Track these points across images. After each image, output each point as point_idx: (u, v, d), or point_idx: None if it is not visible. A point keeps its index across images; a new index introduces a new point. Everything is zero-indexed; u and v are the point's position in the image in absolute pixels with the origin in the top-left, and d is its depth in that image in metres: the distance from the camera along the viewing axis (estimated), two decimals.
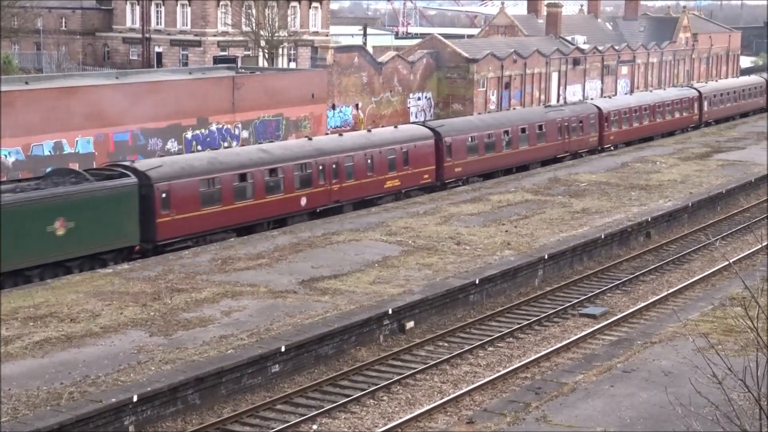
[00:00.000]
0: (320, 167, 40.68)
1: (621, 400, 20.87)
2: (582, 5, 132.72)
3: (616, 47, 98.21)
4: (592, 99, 74.52)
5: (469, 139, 49.45)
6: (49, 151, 49.13)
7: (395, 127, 50.25)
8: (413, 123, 59.94)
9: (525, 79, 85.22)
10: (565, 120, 56.73)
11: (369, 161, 43.24)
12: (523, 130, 53.13)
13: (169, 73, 67.24)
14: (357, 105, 71.19)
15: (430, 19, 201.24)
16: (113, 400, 20.71)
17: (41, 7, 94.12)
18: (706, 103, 73.93)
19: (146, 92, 54.58)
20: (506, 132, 51.91)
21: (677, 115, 70.30)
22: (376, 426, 21.96)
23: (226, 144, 57.65)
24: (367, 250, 33.88)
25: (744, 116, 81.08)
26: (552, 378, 22.96)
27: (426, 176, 46.44)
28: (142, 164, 36.43)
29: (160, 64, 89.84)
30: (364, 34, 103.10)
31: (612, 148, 61.01)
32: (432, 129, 47.89)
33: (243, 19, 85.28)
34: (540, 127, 54.61)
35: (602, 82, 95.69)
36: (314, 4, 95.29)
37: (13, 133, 47.13)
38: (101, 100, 51.63)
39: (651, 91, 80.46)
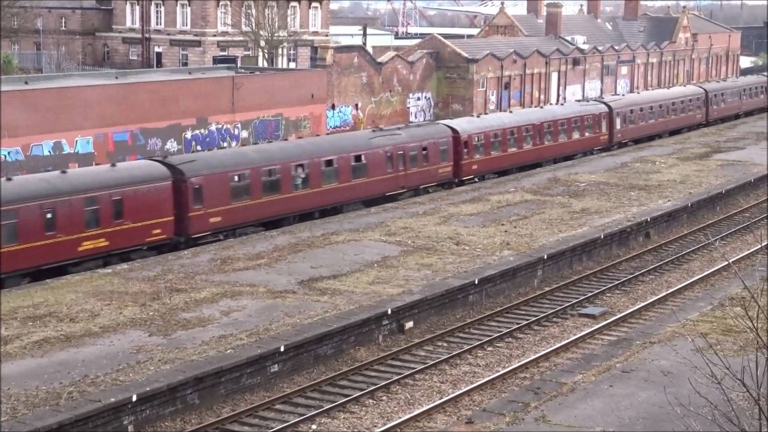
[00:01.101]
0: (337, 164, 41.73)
1: (620, 400, 20.87)
2: (582, 5, 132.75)
3: (616, 47, 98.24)
4: (445, 120, 55.40)
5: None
6: (49, 151, 49.14)
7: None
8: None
9: (525, 80, 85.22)
10: (399, 147, 44.83)
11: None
12: (329, 163, 41.30)
13: (168, 73, 67.24)
14: (356, 105, 71.20)
15: (430, 19, 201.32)
16: (112, 399, 20.71)
17: (41, 7, 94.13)
18: (619, 120, 61.55)
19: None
20: (300, 166, 40.25)
21: (576, 135, 57.57)
22: (375, 426, 21.96)
23: (225, 144, 57.66)
24: (366, 250, 33.87)
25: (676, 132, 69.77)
26: (551, 378, 22.95)
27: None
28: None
29: (159, 64, 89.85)
30: (364, 34, 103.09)
31: (475, 179, 48.89)
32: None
33: (243, 19, 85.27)
34: (358, 158, 42.69)
35: (602, 83, 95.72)
36: (314, 4, 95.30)
37: (12, 133, 47.19)
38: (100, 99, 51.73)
39: (562, 104, 65.85)
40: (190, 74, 64.49)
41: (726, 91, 78.23)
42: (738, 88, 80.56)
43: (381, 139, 44.39)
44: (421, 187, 45.97)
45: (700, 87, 76.73)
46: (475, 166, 49.32)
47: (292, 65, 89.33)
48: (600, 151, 59.67)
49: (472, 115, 56.92)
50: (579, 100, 66.92)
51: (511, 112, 58.67)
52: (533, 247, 34.58)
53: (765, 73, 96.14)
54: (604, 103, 61.70)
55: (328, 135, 57.66)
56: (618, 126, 61.40)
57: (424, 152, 45.77)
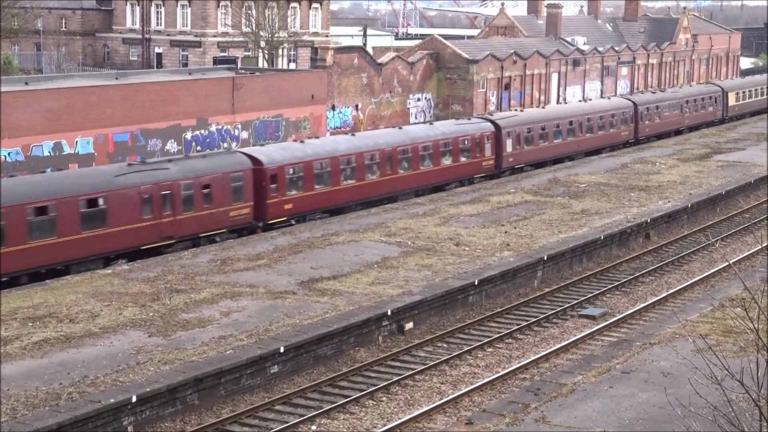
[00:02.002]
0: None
1: (620, 401, 20.87)
2: (582, 6, 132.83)
3: (616, 48, 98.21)
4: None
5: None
6: (49, 152, 49.16)
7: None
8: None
9: (525, 80, 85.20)
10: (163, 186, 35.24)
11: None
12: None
13: (169, 73, 67.26)
14: (357, 106, 71.19)
15: (430, 19, 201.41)
16: (112, 400, 20.71)
17: (41, 7, 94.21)
18: (510, 141, 52.68)
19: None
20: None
21: (447, 161, 48.21)
22: (375, 427, 21.96)
23: (225, 145, 57.67)
24: (366, 251, 33.87)
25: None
26: (551, 379, 22.96)
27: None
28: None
29: (160, 64, 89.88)
30: (364, 35, 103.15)
31: (292, 222, 39.83)
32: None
33: (243, 20, 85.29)
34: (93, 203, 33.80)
35: (602, 83, 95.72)
36: (314, 4, 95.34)
37: (12, 134, 47.21)
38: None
39: (430, 123, 54.43)
40: (190, 75, 64.51)
41: (662, 104, 68.26)
42: (678, 100, 70.46)
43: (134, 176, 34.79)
44: (202, 235, 36.59)
45: (629, 99, 66.22)
46: (288, 206, 39.86)
47: (293, 66, 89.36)
48: (485, 178, 50.37)
49: (296, 140, 47.24)
50: (459, 119, 55.39)
51: (353, 135, 48.19)
52: (533, 248, 34.58)
53: (719, 82, 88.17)
54: (491, 121, 52.06)
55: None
56: (509, 148, 52.27)
57: (205, 191, 36.53)
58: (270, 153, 40.29)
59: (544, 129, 54.86)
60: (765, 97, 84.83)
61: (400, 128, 49.97)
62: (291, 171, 39.85)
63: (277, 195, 39.09)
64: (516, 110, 63.28)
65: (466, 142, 49.13)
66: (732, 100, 78.65)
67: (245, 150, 41.07)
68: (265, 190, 38.65)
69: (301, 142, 44.04)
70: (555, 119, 56.41)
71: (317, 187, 40.91)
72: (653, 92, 74.42)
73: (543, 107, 70.32)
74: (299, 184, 40.13)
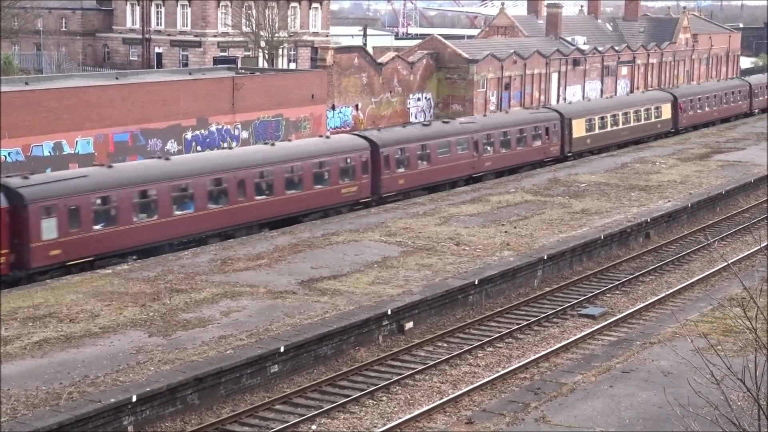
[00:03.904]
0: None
1: (620, 400, 20.88)
2: (582, 6, 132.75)
3: (616, 48, 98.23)
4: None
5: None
6: (49, 152, 49.17)
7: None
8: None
9: (525, 80, 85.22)
10: None
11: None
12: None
13: (169, 73, 67.26)
14: (357, 106, 71.21)
15: (430, 19, 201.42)
16: (112, 400, 20.71)
17: (41, 7, 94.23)
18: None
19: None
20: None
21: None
22: (375, 426, 21.96)
23: (225, 145, 57.67)
24: (366, 250, 33.88)
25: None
26: (551, 378, 22.97)
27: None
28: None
29: (160, 64, 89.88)
30: (364, 35, 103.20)
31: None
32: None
33: (243, 20, 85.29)
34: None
35: (602, 83, 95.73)
36: (314, 4, 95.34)
37: (12, 134, 47.23)
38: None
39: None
40: (190, 75, 64.52)
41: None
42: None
43: None
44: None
45: (365, 137, 46.10)
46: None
47: (293, 66, 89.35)
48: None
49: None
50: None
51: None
52: (533, 248, 34.58)
53: (556, 106, 67.00)
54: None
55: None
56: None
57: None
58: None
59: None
60: (655, 120, 66.83)
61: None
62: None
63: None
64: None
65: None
66: (578, 130, 58.50)
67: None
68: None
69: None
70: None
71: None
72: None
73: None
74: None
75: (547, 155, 55.46)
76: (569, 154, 57.04)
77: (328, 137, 46.64)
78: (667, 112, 67.94)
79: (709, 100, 74.25)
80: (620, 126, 62.36)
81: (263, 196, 38.46)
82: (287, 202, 39.46)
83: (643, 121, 64.87)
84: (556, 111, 57.82)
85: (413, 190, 45.71)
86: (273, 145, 42.65)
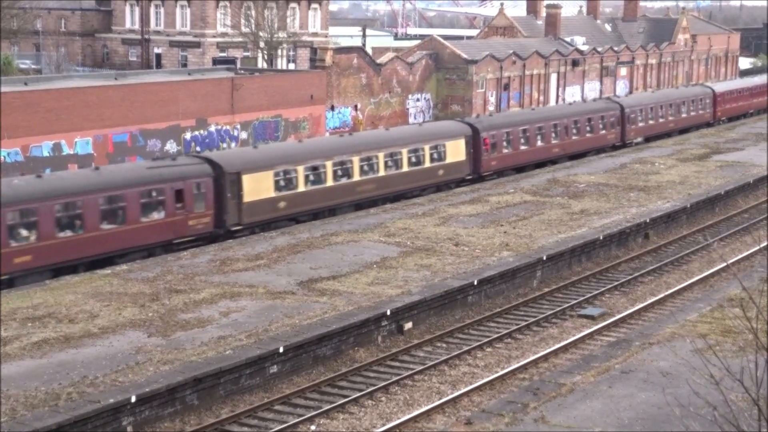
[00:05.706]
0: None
1: (619, 400, 20.88)
2: (581, 6, 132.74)
3: (615, 48, 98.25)
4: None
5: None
6: (48, 152, 49.15)
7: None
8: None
9: (524, 81, 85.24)
10: None
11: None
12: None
13: (168, 74, 67.25)
14: (356, 106, 71.20)
15: (430, 20, 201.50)
16: (111, 400, 20.71)
17: (41, 8, 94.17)
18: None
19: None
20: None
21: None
22: (374, 427, 21.96)
23: (225, 145, 57.67)
24: (365, 251, 33.88)
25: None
26: (550, 379, 22.97)
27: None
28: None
29: (159, 65, 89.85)
30: (364, 35, 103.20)
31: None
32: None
33: (242, 21, 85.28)
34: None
35: (601, 84, 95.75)
36: (313, 5, 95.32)
37: (11, 134, 47.21)
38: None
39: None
40: (189, 75, 64.49)
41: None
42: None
43: None
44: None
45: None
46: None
47: (292, 66, 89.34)
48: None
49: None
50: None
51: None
52: (532, 248, 34.58)
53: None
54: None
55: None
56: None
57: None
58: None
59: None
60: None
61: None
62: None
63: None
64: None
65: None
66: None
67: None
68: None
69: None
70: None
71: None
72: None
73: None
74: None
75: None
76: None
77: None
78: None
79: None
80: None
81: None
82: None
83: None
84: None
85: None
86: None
